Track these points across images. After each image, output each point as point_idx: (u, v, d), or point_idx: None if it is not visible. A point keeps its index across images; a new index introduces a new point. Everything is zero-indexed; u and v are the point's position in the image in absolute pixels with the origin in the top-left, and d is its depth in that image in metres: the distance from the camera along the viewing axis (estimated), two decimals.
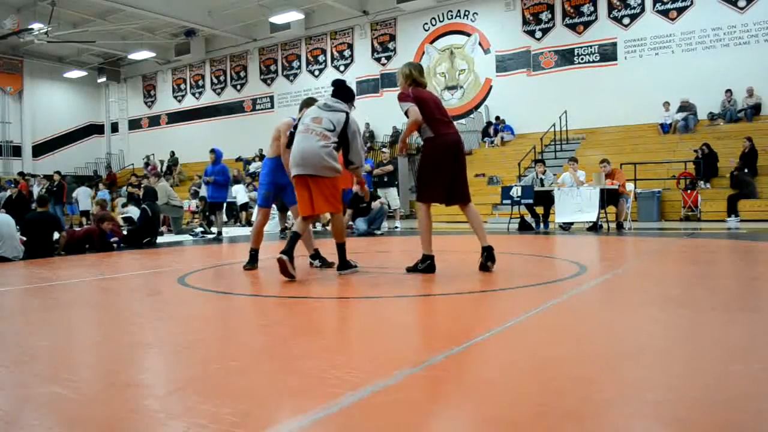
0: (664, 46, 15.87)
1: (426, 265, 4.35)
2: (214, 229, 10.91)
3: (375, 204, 10.10)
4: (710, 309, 2.94)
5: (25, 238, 7.34)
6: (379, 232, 10.05)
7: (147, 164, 23.65)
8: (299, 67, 22.58)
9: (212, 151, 10.63)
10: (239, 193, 16.27)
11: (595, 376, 1.87)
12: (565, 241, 7.90)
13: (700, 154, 12.42)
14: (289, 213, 10.54)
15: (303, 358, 2.29)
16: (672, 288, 3.60)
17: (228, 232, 12.69)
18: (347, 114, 4.49)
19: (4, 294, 4.49)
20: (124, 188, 17.86)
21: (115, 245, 8.32)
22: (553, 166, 13.37)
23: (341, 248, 4.62)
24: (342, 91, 4.62)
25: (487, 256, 4.27)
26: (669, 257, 5.74)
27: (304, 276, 4.72)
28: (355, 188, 10.14)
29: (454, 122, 16.52)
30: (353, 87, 21.11)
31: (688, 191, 11.81)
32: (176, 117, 26.63)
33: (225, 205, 10.78)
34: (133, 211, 12.33)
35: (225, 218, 15.61)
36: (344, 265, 4.62)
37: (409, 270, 4.41)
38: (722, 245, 6.80)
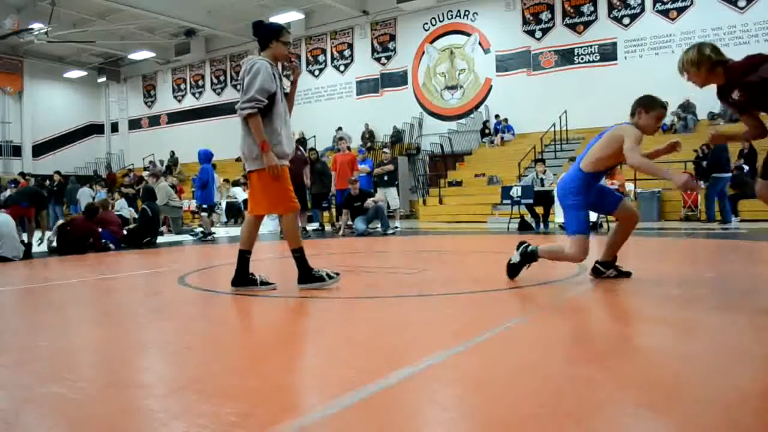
0: (664, 46, 15.87)
1: None
2: (213, 230, 10.91)
3: (368, 202, 10.08)
4: (710, 309, 2.94)
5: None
6: (390, 231, 10.01)
7: (152, 165, 23.59)
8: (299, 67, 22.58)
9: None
10: (239, 194, 16.28)
11: (594, 376, 1.88)
12: (564, 241, 7.89)
13: (700, 154, 12.42)
14: None
15: (303, 357, 2.29)
16: (672, 288, 3.60)
17: (228, 231, 12.69)
18: (251, 65, 3.65)
19: (4, 294, 4.49)
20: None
21: (112, 246, 8.34)
22: (553, 166, 13.36)
23: (298, 253, 3.78)
24: (259, 35, 3.81)
25: None
26: (669, 257, 5.74)
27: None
28: (351, 189, 10.14)
29: (455, 122, 16.53)
30: (353, 86, 21.20)
31: (688, 191, 11.79)
32: (176, 117, 26.62)
33: (210, 206, 10.68)
34: (122, 206, 12.45)
35: (217, 219, 15.59)
36: (306, 276, 3.76)
37: None
38: (723, 245, 6.80)
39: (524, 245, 3.91)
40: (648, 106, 3.71)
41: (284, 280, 4.25)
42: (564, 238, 3.87)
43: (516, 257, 3.87)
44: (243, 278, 3.81)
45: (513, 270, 3.89)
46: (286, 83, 3.97)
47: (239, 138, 3.77)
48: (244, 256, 3.78)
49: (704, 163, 11.34)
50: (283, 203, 3.72)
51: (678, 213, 11.88)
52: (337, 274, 3.84)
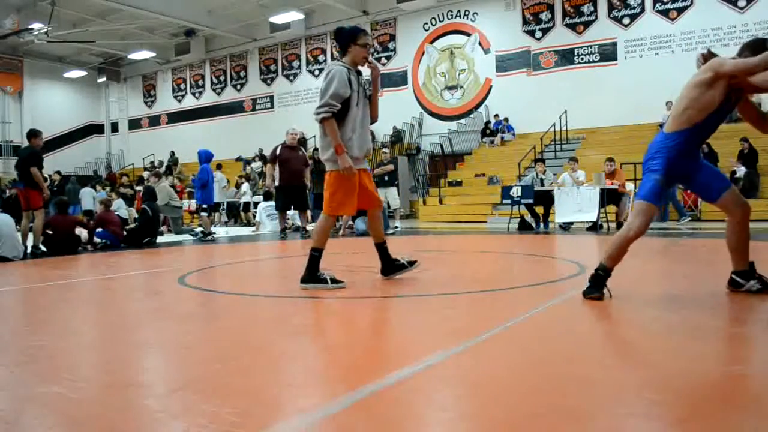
0: (664, 46, 15.87)
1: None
2: (213, 230, 10.92)
3: None
4: (711, 309, 2.94)
5: None
6: (390, 232, 10.01)
7: (153, 166, 23.60)
8: (299, 67, 22.58)
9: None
10: (247, 191, 16.28)
11: (595, 376, 1.88)
12: (565, 241, 7.90)
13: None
14: (290, 213, 10.63)
15: (303, 357, 2.29)
16: (672, 288, 3.60)
17: (228, 231, 12.70)
18: (326, 72, 3.80)
19: (4, 294, 4.49)
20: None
21: (107, 242, 8.39)
22: (553, 166, 13.36)
23: (382, 246, 4.06)
24: (339, 41, 3.93)
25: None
26: (669, 257, 5.74)
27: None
28: None
29: (455, 122, 16.50)
30: None
31: (688, 191, 11.81)
32: (176, 117, 26.63)
33: (210, 206, 10.69)
34: (120, 206, 12.52)
35: (218, 219, 15.60)
36: (310, 276, 3.82)
37: None
38: (723, 245, 6.79)
39: (592, 275, 3.20)
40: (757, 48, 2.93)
41: (285, 281, 4.24)
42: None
43: (587, 285, 3.19)
44: (390, 266, 4.00)
45: (592, 292, 3.15)
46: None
47: (318, 140, 3.95)
48: (382, 248, 3.99)
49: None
50: (332, 204, 3.83)
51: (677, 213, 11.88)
52: (341, 281, 3.82)
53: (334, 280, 3.78)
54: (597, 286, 3.13)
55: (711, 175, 3.22)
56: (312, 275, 3.78)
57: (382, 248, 4.05)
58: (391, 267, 4.05)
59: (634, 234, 3.07)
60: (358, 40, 3.83)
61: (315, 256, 3.78)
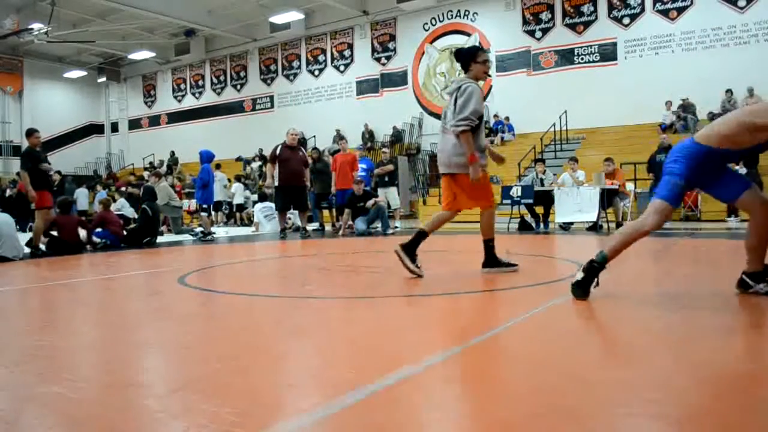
0: (664, 46, 15.88)
1: None
2: (212, 229, 10.92)
3: (369, 203, 10.09)
4: (711, 309, 2.94)
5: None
6: (390, 231, 10.02)
7: (152, 166, 23.61)
8: (299, 67, 22.58)
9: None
10: (237, 193, 16.29)
11: (595, 376, 1.87)
12: (565, 241, 7.90)
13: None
14: (290, 213, 10.62)
15: (303, 357, 2.29)
16: (672, 288, 3.60)
17: (228, 231, 12.69)
18: (459, 87, 4.21)
19: (4, 294, 4.49)
20: (123, 188, 17.83)
21: (107, 242, 8.41)
22: (553, 166, 13.36)
23: (488, 245, 4.38)
24: (460, 60, 4.37)
25: None
26: (669, 257, 5.74)
27: (307, 274, 4.71)
28: (355, 188, 10.15)
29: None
30: (353, 86, 21.22)
31: (688, 191, 11.79)
32: (176, 117, 26.64)
33: (210, 206, 10.72)
34: (123, 205, 12.54)
35: (221, 218, 15.62)
36: (491, 262, 4.35)
37: None
38: (723, 245, 6.80)
39: (589, 261, 3.17)
40: None
41: (285, 280, 4.24)
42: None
43: (579, 274, 3.14)
44: (492, 261, 4.37)
45: (580, 288, 3.12)
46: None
47: (441, 150, 4.37)
48: (422, 234, 4.33)
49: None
50: (486, 199, 4.36)
51: (678, 213, 11.88)
52: (515, 264, 4.33)
53: (509, 264, 4.32)
54: (587, 280, 3.09)
55: (729, 175, 3.12)
56: (492, 261, 4.31)
57: (488, 245, 4.42)
58: (492, 262, 4.40)
59: (647, 230, 3.03)
60: (477, 58, 4.25)
61: (491, 246, 4.33)
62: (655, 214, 3.02)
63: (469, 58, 4.27)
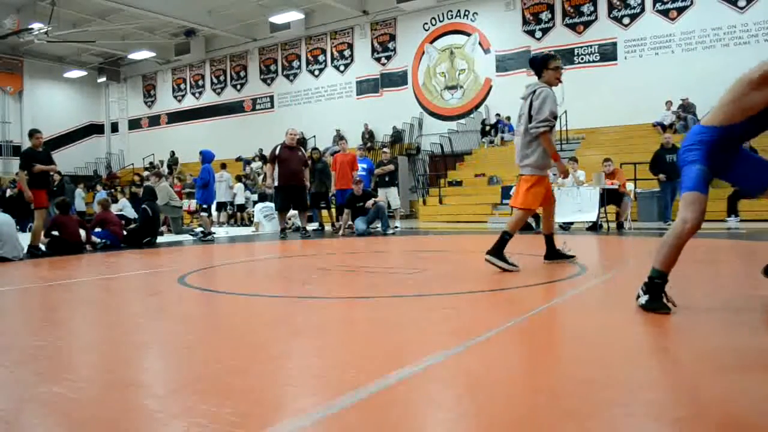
0: (664, 46, 15.88)
1: None
2: (213, 229, 10.92)
3: (369, 203, 10.10)
4: (710, 309, 2.94)
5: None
6: (390, 231, 10.03)
7: (153, 166, 23.61)
8: (299, 67, 22.59)
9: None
10: (238, 193, 16.30)
11: (594, 376, 1.88)
12: (565, 241, 7.89)
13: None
14: (290, 213, 10.63)
15: (303, 357, 2.29)
16: (672, 288, 3.60)
17: (228, 231, 12.70)
18: (534, 91, 4.51)
19: (4, 294, 4.49)
20: (125, 188, 17.85)
21: (107, 242, 8.41)
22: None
23: (503, 236, 4.47)
24: (534, 68, 4.67)
25: None
26: None
27: (307, 274, 4.71)
28: (354, 188, 10.16)
29: (455, 122, 16.47)
30: (353, 86, 21.22)
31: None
32: (176, 117, 26.64)
33: (210, 206, 10.75)
34: (124, 205, 12.54)
35: (216, 219, 15.61)
36: (496, 252, 4.42)
37: None
38: (722, 245, 6.80)
39: (645, 283, 2.88)
40: None
41: (284, 280, 4.24)
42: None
43: (643, 299, 2.86)
44: (554, 254, 4.73)
45: (652, 305, 2.82)
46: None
47: (516, 150, 4.72)
48: (550, 238, 4.73)
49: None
50: (530, 203, 4.59)
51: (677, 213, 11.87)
52: (516, 266, 4.40)
53: (512, 264, 4.37)
54: (656, 296, 2.79)
55: (754, 165, 2.85)
56: (498, 252, 4.38)
57: (549, 239, 4.80)
58: (553, 254, 4.77)
59: (690, 227, 2.72)
60: (549, 65, 4.59)
61: (506, 238, 4.43)
62: (689, 206, 2.74)
63: (542, 66, 4.60)
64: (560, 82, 4.70)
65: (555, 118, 4.51)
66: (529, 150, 4.56)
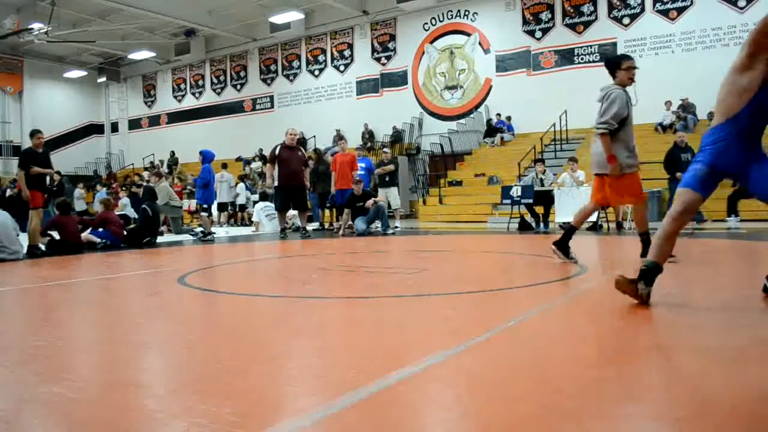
0: (664, 46, 15.88)
1: None
2: (213, 229, 10.92)
3: (369, 203, 10.10)
4: (710, 309, 2.94)
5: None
6: (390, 231, 10.04)
7: (153, 165, 23.60)
8: (299, 67, 22.59)
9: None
10: (240, 194, 16.32)
11: (595, 376, 1.87)
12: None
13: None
14: (289, 213, 10.62)
15: (303, 357, 2.29)
16: (672, 288, 3.60)
17: (228, 231, 12.69)
18: (606, 92, 4.65)
19: (4, 294, 4.49)
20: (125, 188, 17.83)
21: (107, 242, 8.42)
22: (553, 166, 13.36)
23: (644, 236, 4.63)
24: (608, 68, 4.80)
25: None
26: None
27: (307, 274, 4.71)
28: (354, 188, 10.16)
29: (455, 122, 16.43)
30: (353, 86, 21.22)
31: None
32: (176, 117, 26.64)
33: (210, 206, 10.76)
34: (126, 204, 12.55)
35: (217, 219, 15.61)
36: (562, 245, 4.66)
37: None
38: (722, 245, 6.80)
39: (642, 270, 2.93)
40: None
41: (284, 280, 4.24)
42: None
43: (642, 286, 2.89)
44: (564, 246, 4.66)
45: (644, 279, 2.90)
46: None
47: (592, 153, 4.87)
48: (572, 229, 4.72)
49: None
50: (635, 195, 4.68)
51: None
52: (575, 259, 4.62)
53: (572, 258, 4.61)
54: (646, 278, 2.87)
55: None
56: (563, 244, 4.61)
57: (643, 238, 4.73)
58: (565, 249, 4.74)
59: (674, 218, 2.83)
60: (621, 65, 4.69)
61: (645, 238, 4.60)
62: (676, 201, 2.87)
63: (615, 66, 4.70)
64: (633, 81, 4.78)
65: (623, 120, 4.60)
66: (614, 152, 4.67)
